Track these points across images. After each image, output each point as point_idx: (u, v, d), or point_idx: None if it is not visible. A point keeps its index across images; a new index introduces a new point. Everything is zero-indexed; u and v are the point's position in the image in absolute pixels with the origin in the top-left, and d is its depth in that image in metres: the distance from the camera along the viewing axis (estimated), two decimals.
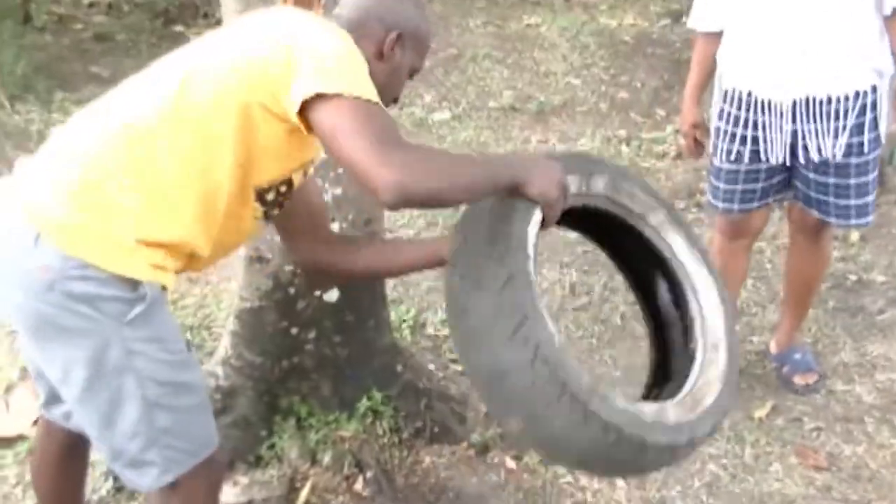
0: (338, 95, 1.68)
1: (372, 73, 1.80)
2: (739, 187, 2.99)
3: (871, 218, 2.97)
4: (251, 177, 1.86)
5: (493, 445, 2.89)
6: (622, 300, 3.78)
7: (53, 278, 1.72)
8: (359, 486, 2.79)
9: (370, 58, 1.87)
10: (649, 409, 1.71)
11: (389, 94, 1.96)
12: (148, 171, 1.77)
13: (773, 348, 3.35)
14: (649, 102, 5.85)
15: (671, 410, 1.75)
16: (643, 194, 1.99)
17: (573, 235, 4.33)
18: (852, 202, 2.89)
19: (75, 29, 6.82)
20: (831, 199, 2.90)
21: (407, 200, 1.64)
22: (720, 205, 3.05)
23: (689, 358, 1.94)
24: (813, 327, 3.52)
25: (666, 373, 1.99)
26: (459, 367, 3.38)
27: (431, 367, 3.27)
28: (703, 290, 1.99)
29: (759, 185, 2.97)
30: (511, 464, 2.85)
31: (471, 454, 2.89)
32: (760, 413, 3.08)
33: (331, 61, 1.73)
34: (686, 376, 1.89)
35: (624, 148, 5.29)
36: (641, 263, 2.08)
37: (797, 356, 3.27)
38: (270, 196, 1.93)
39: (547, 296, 3.84)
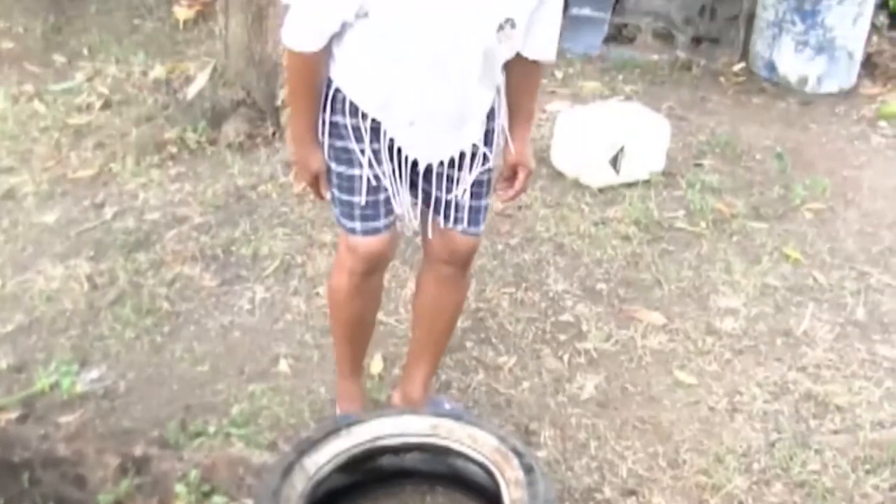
0: None
1: None
2: (382, 196, 2.21)
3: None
4: None
5: (130, 497, 2.32)
6: (157, 280, 3.27)
7: None
8: None
9: None
10: None
11: None
12: None
13: (397, 401, 2.66)
14: (42, 49, 5.13)
15: None
16: None
17: (53, 219, 3.65)
18: (483, 202, 2.32)
19: None
20: (469, 202, 2.29)
21: None
22: (358, 224, 2.23)
23: None
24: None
25: None
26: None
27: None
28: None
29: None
30: None
31: None
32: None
33: None
34: None
35: (39, 105, 4.54)
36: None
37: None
38: None
39: (65, 297, 3.16)
